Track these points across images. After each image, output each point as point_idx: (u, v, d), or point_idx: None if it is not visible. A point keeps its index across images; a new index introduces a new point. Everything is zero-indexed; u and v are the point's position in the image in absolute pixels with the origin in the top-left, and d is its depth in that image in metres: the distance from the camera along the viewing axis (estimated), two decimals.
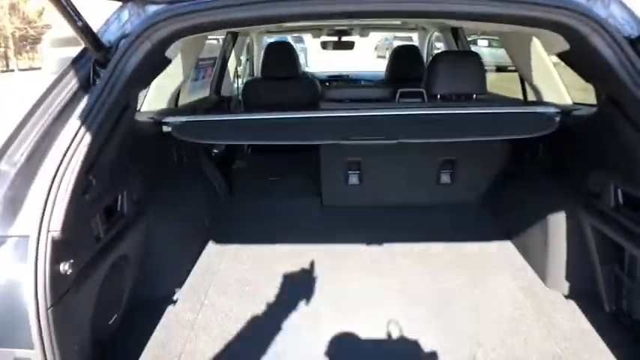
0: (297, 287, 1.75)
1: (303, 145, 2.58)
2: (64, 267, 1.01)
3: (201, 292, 1.72)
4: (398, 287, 1.74)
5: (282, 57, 3.06)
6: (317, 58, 11.59)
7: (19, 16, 30.05)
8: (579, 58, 1.39)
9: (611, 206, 1.46)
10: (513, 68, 2.34)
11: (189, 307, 1.63)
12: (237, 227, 2.26)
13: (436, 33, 3.77)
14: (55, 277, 0.98)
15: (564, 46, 1.39)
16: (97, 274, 1.24)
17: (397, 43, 5.54)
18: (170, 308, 1.61)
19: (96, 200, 1.23)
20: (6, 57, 30.60)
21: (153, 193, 1.67)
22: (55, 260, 0.98)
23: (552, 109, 1.82)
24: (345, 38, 4.18)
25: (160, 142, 1.82)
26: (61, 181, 1.02)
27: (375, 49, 18.77)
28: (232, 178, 2.78)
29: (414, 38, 4.81)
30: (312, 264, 1.90)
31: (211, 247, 2.05)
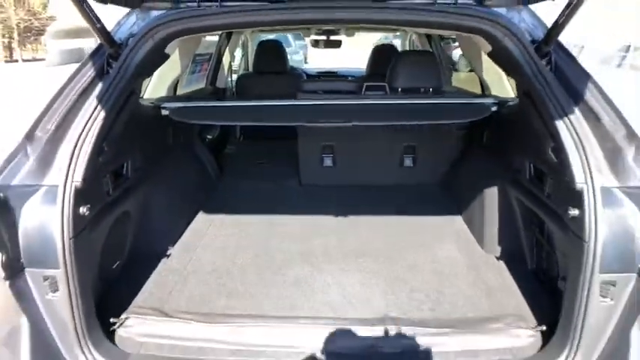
0: (272, 246, 2.08)
1: (286, 134, 2.90)
2: (83, 210, 1.34)
3: (190, 249, 2.05)
4: (355, 247, 2.07)
5: (271, 54, 3.40)
6: (317, 54, 11.89)
7: (24, 7, 30.25)
8: (499, 57, 1.72)
9: (527, 179, 1.79)
10: None
11: (180, 260, 1.96)
12: (225, 202, 2.59)
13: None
14: (76, 217, 1.31)
15: (488, 47, 1.72)
16: (106, 221, 1.57)
17: (397, 42, 5.87)
18: (164, 260, 1.94)
19: (107, 163, 1.56)
20: (10, 47, 30.89)
21: (152, 165, 2.00)
22: (76, 204, 1.31)
23: (490, 100, 2.15)
24: (333, 37, 4.52)
25: (159, 123, 2.15)
26: (82, 145, 1.35)
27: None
28: (223, 161, 3.11)
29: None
30: (286, 229, 2.23)
31: (201, 216, 2.38)
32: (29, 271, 1.25)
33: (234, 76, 3.98)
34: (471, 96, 2.58)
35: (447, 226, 2.29)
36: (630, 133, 1.26)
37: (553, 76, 1.44)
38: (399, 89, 2.39)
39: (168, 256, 1.98)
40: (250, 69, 4.64)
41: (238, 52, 4.72)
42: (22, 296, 1.23)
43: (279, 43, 3.59)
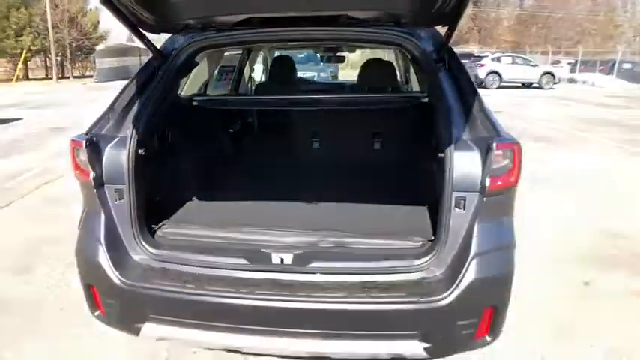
0: (268, 204, 2.84)
1: (291, 128, 3.69)
2: (140, 152, 2.13)
3: (208, 193, 2.83)
4: (320, 200, 2.68)
5: (283, 67, 4.24)
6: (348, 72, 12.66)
7: (77, 28, 32.93)
8: (414, 63, 2.45)
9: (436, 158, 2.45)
10: None
11: (200, 198, 2.76)
12: (234, 175, 3.40)
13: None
14: (137, 156, 2.10)
15: (409, 57, 2.47)
16: (154, 162, 2.34)
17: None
18: (190, 198, 2.75)
19: (155, 128, 2.38)
20: (62, 65, 33.67)
21: (185, 137, 2.84)
22: (137, 148, 2.11)
23: (420, 94, 2.91)
24: (338, 54, 5.45)
25: (191, 111, 2.99)
26: (140, 116, 2.17)
27: None
28: (239, 147, 3.93)
29: None
30: (277, 190, 2.97)
31: (215, 181, 3.19)
32: (107, 186, 2.06)
33: (253, 84, 4.88)
34: (413, 93, 3.38)
35: (393, 191, 2.86)
36: (481, 107, 1.97)
37: (445, 75, 2.15)
38: (366, 88, 3.21)
39: (192, 196, 2.80)
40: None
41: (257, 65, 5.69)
42: (103, 200, 2.04)
43: (290, 58, 4.43)
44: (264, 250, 1.90)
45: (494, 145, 1.67)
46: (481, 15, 53.76)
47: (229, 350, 1.97)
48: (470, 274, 1.66)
